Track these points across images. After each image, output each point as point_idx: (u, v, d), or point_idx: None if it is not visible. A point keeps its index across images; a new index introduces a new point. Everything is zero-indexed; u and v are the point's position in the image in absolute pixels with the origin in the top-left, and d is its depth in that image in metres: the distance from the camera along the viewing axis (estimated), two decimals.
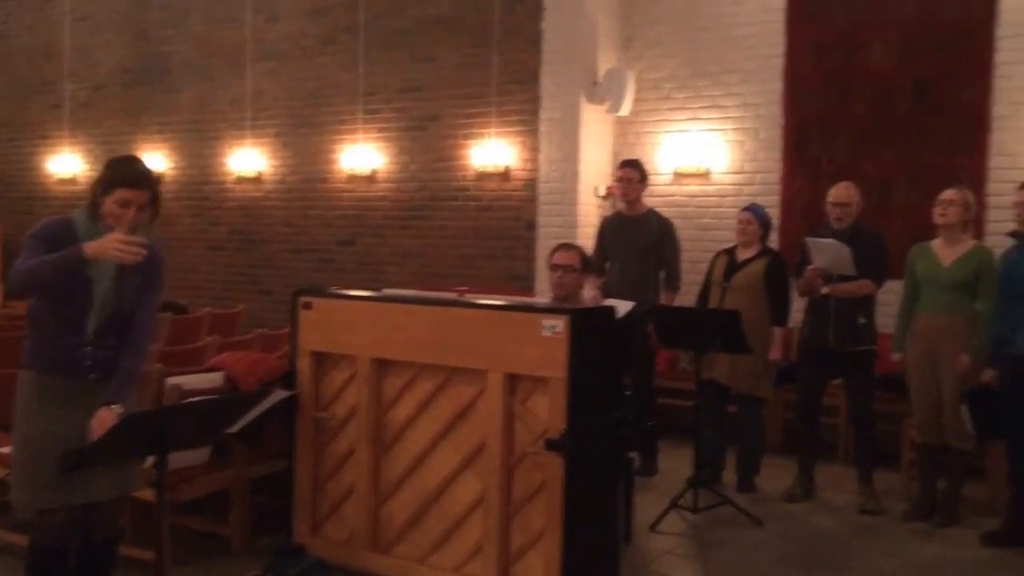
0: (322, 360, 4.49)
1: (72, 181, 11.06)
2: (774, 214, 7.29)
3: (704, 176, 7.79)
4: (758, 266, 5.78)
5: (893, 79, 6.97)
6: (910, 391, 5.49)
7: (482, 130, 8.35)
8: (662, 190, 7.82)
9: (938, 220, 5.32)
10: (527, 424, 3.91)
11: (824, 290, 5.52)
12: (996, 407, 5.06)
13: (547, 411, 3.81)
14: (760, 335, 5.67)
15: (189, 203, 10.19)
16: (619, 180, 6.55)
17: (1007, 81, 6.55)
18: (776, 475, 6.05)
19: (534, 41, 7.97)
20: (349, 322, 4.39)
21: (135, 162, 3.33)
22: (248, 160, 9.66)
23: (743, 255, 5.86)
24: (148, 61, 10.41)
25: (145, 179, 3.24)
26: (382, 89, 8.88)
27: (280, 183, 9.59)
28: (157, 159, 10.30)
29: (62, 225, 3.23)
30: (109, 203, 3.17)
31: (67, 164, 11.11)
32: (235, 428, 3.39)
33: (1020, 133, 6.56)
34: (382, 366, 4.31)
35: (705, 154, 7.77)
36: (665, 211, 6.72)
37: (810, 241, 5.59)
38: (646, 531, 5.08)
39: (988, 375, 5.07)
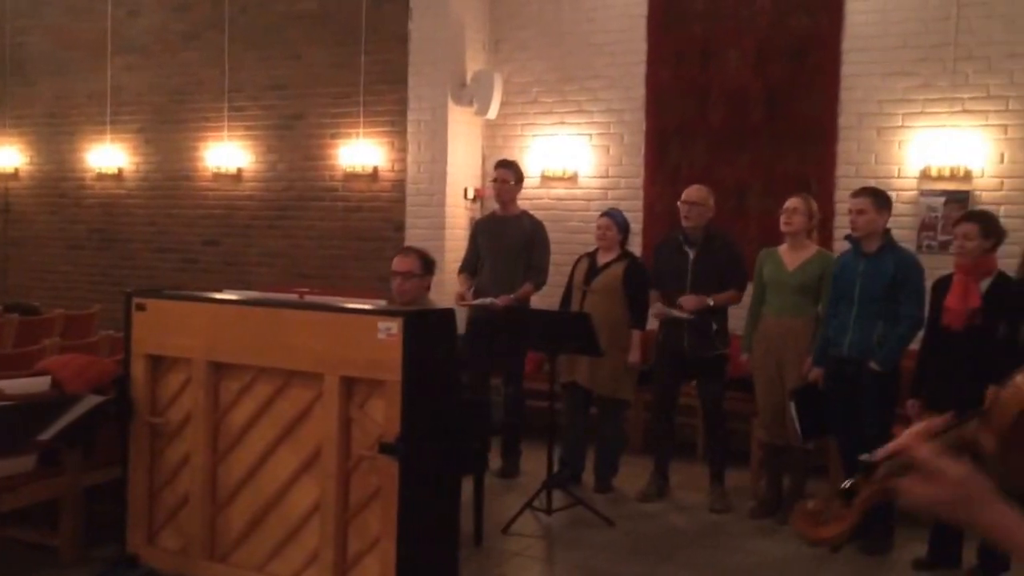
0: (157, 363, 4.35)
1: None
2: (637, 218, 7.43)
3: (571, 180, 7.86)
4: (617, 270, 5.86)
5: (747, 88, 7.16)
6: (756, 391, 5.65)
7: (350, 130, 8.25)
8: (530, 193, 7.83)
9: (783, 228, 5.49)
10: (364, 428, 3.86)
11: (683, 315, 5.62)
12: (823, 405, 5.24)
13: (383, 414, 3.77)
14: (619, 338, 5.75)
15: (46, 200, 9.79)
16: (494, 181, 6.56)
17: (851, 93, 6.80)
18: (635, 475, 6.13)
19: (402, 41, 7.92)
20: (185, 324, 4.26)
21: None
22: (109, 156, 9.34)
23: (603, 259, 5.94)
24: (2, 52, 9.96)
25: None
26: (248, 86, 8.69)
27: (143, 180, 9.29)
28: (11, 154, 9.87)
29: None
30: None
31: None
32: (48, 435, 3.25)
33: (863, 143, 6.82)
34: (219, 369, 4.20)
35: (572, 158, 7.85)
36: (533, 214, 6.75)
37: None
38: (499, 533, 5.09)
39: (815, 373, 5.25)
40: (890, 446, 1.18)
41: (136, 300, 4.37)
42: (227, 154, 8.73)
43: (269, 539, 4.10)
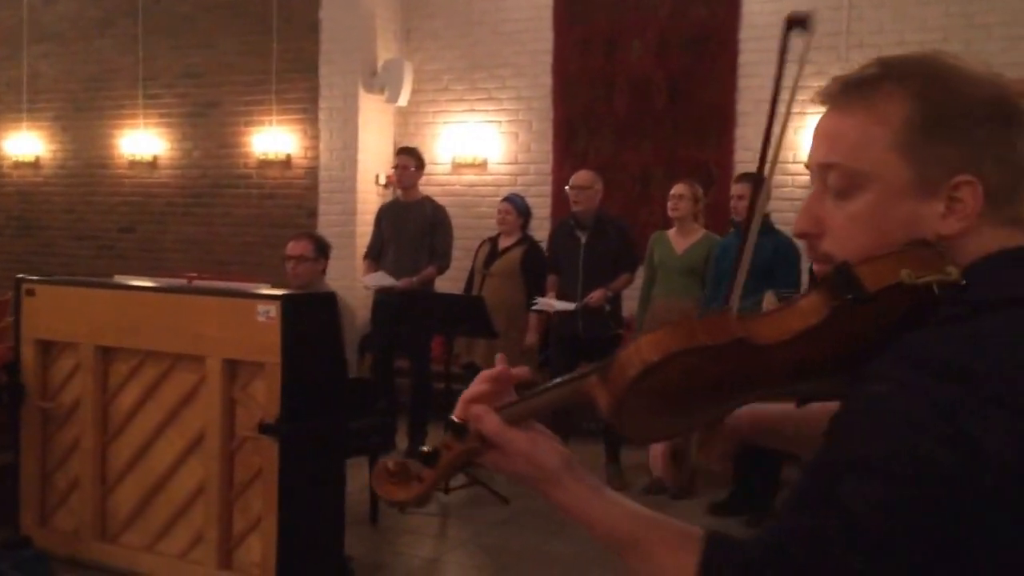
0: (48, 348, 4.42)
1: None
2: (545, 204, 7.61)
3: (481, 166, 8.00)
4: (516, 253, 6.03)
5: (650, 76, 7.35)
6: None
7: (263, 117, 8.30)
8: (441, 179, 7.99)
9: (671, 213, 5.69)
10: (248, 409, 3.97)
11: (568, 307, 5.77)
12: None
13: (265, 396, 3.89)
14: (517, 320, 5.92)
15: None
16: (395, 168, 6.67)
17: (749, 80, 7.02)
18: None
19: (313, 30, 7.98)
20: (74, 309, 4.34)
21: None
22: (25, 144, 9.26)
23: (504, 243, 6.10)
24: None
25: None
26: (163, 74, 8.69)
27: (60, 168, 9.24)
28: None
29: None
30: None
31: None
32: None
33: (760, 129, 6.97)
34: (107, 354, 4.28)
35: (482, 145, 7.99)
36: (443, 200, 6.88)
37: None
38: (396, 513, 5.23)
39: None
40: (459, 410, 1.13)
41: (25, 286, 4.43)
42: (142, 142, 8.72)
43: (157, 520, 4.21)
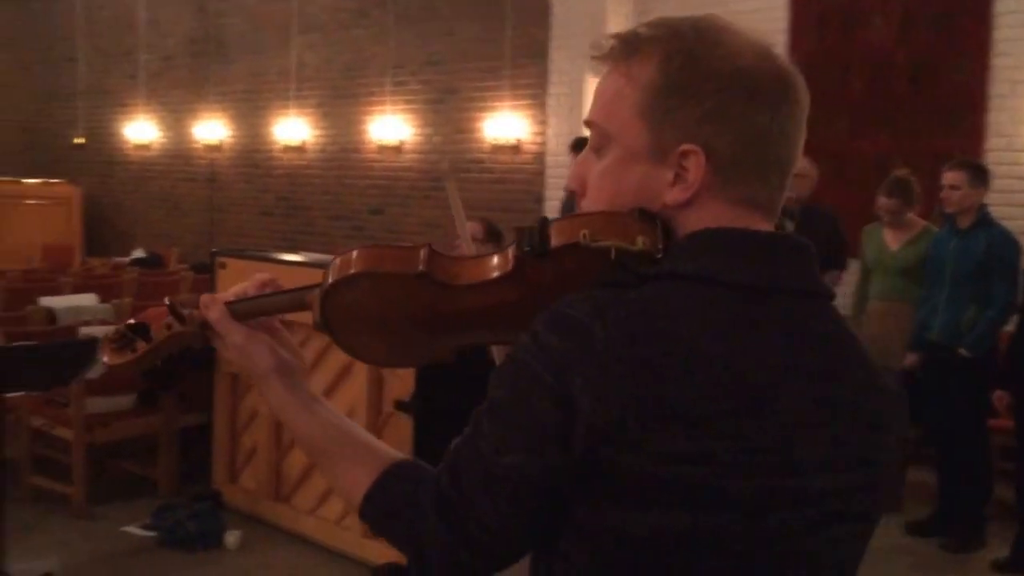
0: None
1: (146, 147, 11.75)
2: None
3: None
4: None
5: (891, 56, 6.71)
6: None
7: (496, 103, 8.47)
8: None
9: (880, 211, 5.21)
10: (393, 386, 4.08)
11: None
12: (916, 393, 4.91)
13: (404, 373, 3.96)
14: None
15: (243, 170, 10.69)
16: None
17: (1005, 59, 6.22)
18: None
19: (545, 16, 8.02)
20: None
21: None
22: (293, 129, 10.06)
23: None
24: (208, 33, 10.94)
25: None
26: (409, 62, 9.10)
27: (321, 152, 9.95)
28: (217, 127, 10.84)
29: None
30: None
31: (142, 131, 11.79)
32: (94, 374, 3.68)
33: (1017, 113, 6.23)
34: (286, 326, 4.53)
35: None
36: None
37: None
38: None
39: (910, 359, 4.92)
40: (206, 297, 1.20)
41: (219, 259, 4.80)
42: (390, 127, 9.19)
43: (319, 486, 4.42)
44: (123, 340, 1.24)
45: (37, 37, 12.89)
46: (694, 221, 0.99)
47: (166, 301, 1.22)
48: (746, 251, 0.97)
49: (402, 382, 4.00)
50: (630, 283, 0.94)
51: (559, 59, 7.96)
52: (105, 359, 1.25)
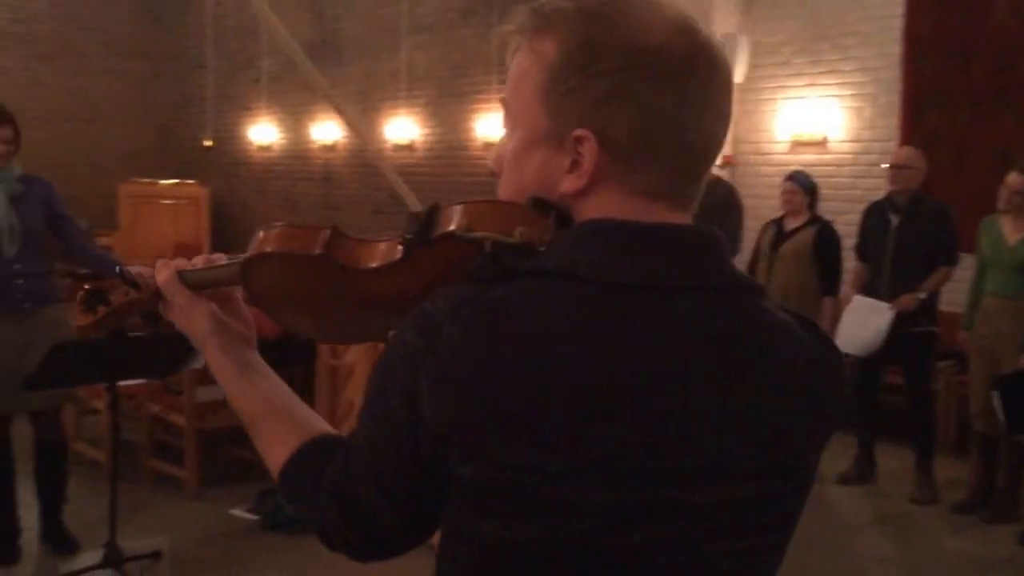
0: None
1: (268, 148, 12.18)
2: None
3: (821, 144, 7.49)
4: (806, 235, 5.60)
5: (1016, 39, 6.39)
6: (970, 374, 5.15)
7: None
8: (778, 158, 7.61)
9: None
10: None
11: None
12: None
13: None
14: (809, 306, 5.50)
15: (355, 169, 10.96)
16: None
17: None
18: (840, 455, 5.81)
19: None
20: None
21: None
22: (402, 128, 10.26)
23: (790, 225, 5.69)
24: (325, 38, 11.25)
25: (5, 116, 3.76)
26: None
27: (429, 150, 10.12)
28: (332, 128, 11.14)
29: None
30: None
31: (265, 133, 12.22)
32: (199, 364, 3.85)
33: None
34: None
35: (822, 121, 7.47)
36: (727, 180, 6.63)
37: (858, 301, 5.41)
38: None
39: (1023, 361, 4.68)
40: (160, 261, 1.24)
41: None
42: (495, 124, 9.26)
43: None
44: (87, 304, 1.31)
45: (171, 47, 13.52)
46: (590, 211, 0.92)
47: (117, 269, 1.28)
48: (626, 245, 0.90)
49: None
50: (498, 278, 0.89)
51: None
52: (73, 320, 1.34)
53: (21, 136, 3.95)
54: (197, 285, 1.21)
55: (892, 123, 7.08)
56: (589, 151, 0.91)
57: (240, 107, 12.61)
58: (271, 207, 12.14)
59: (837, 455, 5.76)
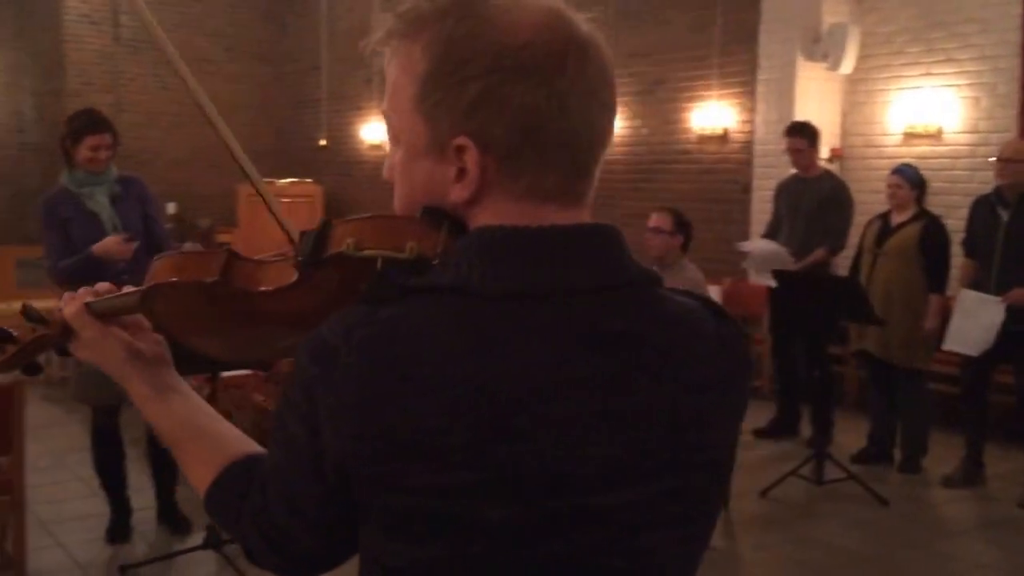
0: None
1: (379, 147, 12.45)
2: None
3: (936, 136, 7.21)
4: (912, 230, 5.40)
5: None
6: None
7: (703, 92, 8.32)
8: (891, 151, 7.37)
9: None
10: None
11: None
12: None
13: None
14: (915, 303, 5.33)
15: None
16: (787, 150, 6.34)
17: None
18: (947, 456, 5.60)
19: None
20: None
21: (93, 112, 4.05)
22: None
23: (896, 219, 5.50)
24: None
25: (105, 123, 3.93)
26: (621, 54, 9.11)
27: None
28: None
29: (58, 194, 4.02)
30: (82, 151, 3.88)
31: (376, 131, 12.50)
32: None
33: None
34: None
35: (937, 112, 7.19)
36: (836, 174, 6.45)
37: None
38: (753, 495, 5.03)
39: None
40: (67, 295, 1.21)
41: None
42: None
43: None
44: (4, 340, 1.30)
45: (289, 50, 13.98)
46: (481, 218, 0.90)
47: (21, 307, 1.26)
48: (515, 254, 0.88)
49: None
50: (390, 297, 0.87)
51: (768, 43, 7.72)
52: None
53: (121, 141, 4.20)
54: (105, 313, 1.19)
55: (1011, 114, 6.76)
56: (471, 159, 0.89)
57: (352, 107, 12.93)
58: (382, 204, 12.24)
59: (943, 456, 5.57)
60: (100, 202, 4.06)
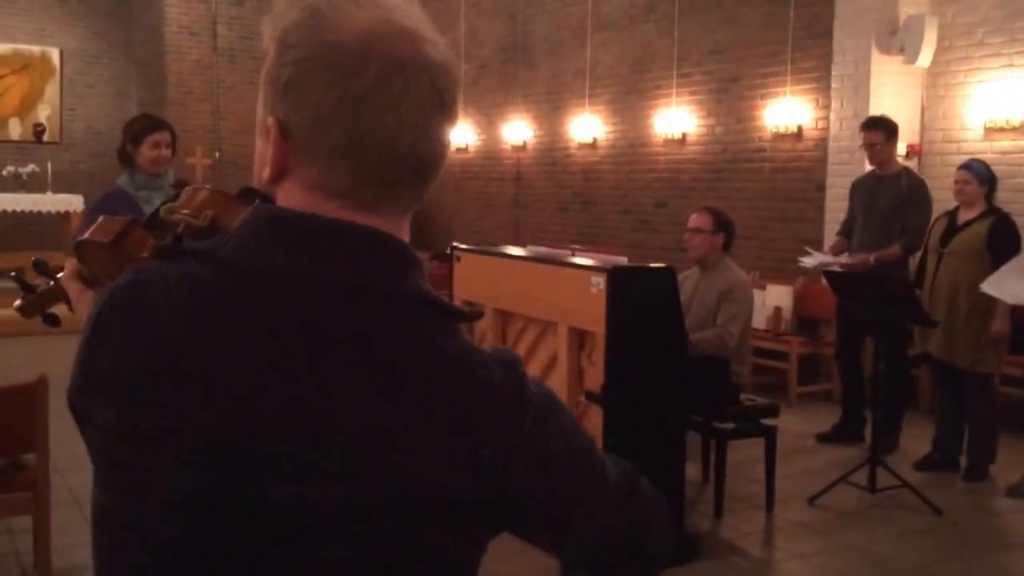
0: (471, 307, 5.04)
1: (465, 150, 12.58)
2: None
3: (1018, 130, 6.87)
4: (980, 228, 5.17)
5: None
6: None
7: (777, 89, 8.14)
8: (971, 147, 7.06)
9: None
10: (592, 377, 4.13)
11: None
12: None
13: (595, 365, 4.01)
14: (982, 304, 5.10)
15: (544, 168, 11.13)
16: (863, 145, 6.15)
17: None
18: (1018, 463, 5.34)
19: None
20: (482, 276, 4.89)
21: (149, 114, 4.18)
22: (586, 127, 10.32)
23: (964, 217, 5.28)
24: (517, 40, 11.49)
25: (164, 122, 4.06)
26: (692, 53, 8.99)
27: (611, 148, 10.12)
28: (522, 128, 11.37)
29: (115, 193, 4.12)
30: (144, 151, 3.99)
31: (462, 135, 12.62)
32: None
33: None
34: (503, 316, 4.76)
35: (1020, 106, 6.85)
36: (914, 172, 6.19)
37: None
38: (801, 502, 4.91)
39: None
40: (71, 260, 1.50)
41: (456, 253, 5.11)
42: (674, 120, 9.14)
43: None
44: (25, 289, 1.70)
45: None
46: (280, 200, 0.96)
47: (32, 260, 1.65)
48: (272, 233, 0.91)
49: (598, 372, 4.04)
50: (169, 256, 0.94)
51: (842, 37, 7.49)
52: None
53: (178, 144, 4.34)
54: (86, 277, 1.54)
55: None
56: (274, 140, 0.93)
57: None
58: (467, 206, 12.54)
59: (1009, 465, 5.33)
60: (156, 206, 4.23)
